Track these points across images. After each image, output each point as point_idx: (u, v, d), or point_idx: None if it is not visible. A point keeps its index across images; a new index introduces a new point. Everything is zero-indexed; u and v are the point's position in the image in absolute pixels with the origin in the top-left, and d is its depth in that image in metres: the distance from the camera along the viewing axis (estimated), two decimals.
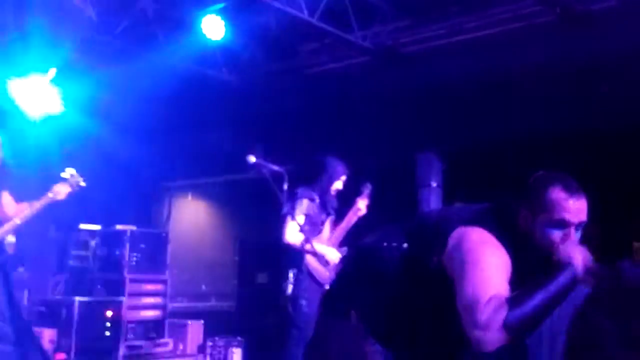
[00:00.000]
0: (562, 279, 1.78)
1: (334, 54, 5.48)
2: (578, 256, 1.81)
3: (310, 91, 5.68)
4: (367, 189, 4.66)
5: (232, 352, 6.39)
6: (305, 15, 4.90)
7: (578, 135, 5.57)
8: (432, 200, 5.80)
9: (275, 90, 5.74)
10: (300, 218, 4.30)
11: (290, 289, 4.18)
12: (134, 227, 6.24)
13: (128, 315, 5.85)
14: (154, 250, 6.35)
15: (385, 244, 2.05)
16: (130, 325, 5.87)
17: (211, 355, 6.48)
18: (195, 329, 6.72)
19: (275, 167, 4.24)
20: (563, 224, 1.86)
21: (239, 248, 7.42)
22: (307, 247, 4.22)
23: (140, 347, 5.94)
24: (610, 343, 3.14)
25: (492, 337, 1.62)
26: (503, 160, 7.12)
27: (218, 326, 6.95)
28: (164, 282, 6.40)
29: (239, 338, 6.51)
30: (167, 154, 6.57)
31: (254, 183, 5.19)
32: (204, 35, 4.98)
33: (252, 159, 4.16)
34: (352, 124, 6.02)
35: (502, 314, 1.61)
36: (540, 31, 4.70)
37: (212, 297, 7.72)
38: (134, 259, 6.05)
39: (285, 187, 4.25)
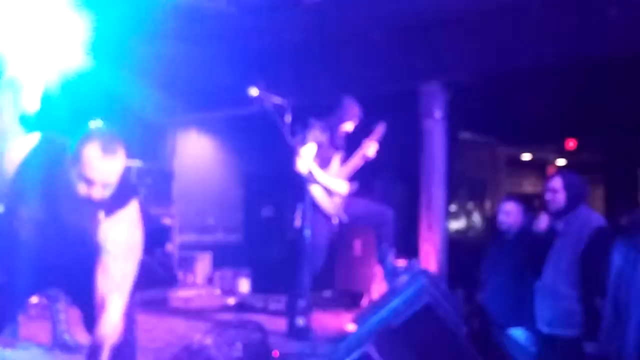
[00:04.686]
0: None
1: None
2: None
3: (310, 21, 5.56)
4: (378, 131, 4.67)
5: (240, 282, 6.55)
6: None
7: (586, 63, 5.45)
8: (436, 131, 5.76)
9: (274, 22, 5.61)
10: (312, 146, 4.42)
11: (298, 221, 4.26)
12: (139, 163, 6.30)
13: None
14: (160, 186, 6.44)
15: None
16: None
17: (220, 285, 6.65)
18: (203, 261, 6.87)
19: (278, 100, 4.23)
20: None
21: (244, 182, 7.48)
22: (315, 175, 4.29)
23: None
24: None
25: None
26: (508, 92, 7.04)
27: (225, 258, 7.09)
28: (171, 216, 6.52)
29: (246, 269, 6.66)
30: (168, 90, 6.51)
31: (257, 117, 5.17)
32: None
33: (254, 91, 4.13)
34: (354, 55, 5.93)
35: None
36: None
37: (219, 230, 7.84)
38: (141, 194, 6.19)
39: (288, 120, 4.25)
